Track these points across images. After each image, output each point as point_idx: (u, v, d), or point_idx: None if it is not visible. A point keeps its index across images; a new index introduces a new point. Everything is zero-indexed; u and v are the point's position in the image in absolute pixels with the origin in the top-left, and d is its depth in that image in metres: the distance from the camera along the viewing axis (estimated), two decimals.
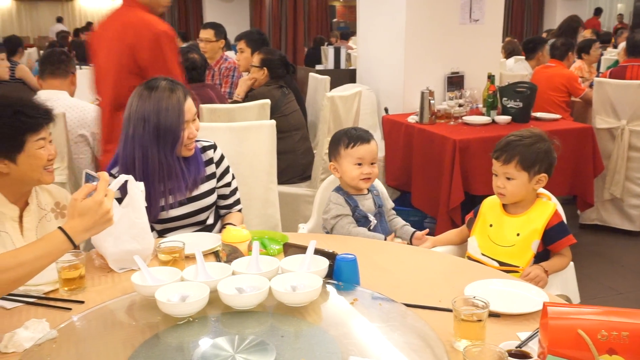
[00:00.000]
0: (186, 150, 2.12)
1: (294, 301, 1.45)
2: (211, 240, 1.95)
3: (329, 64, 6.54)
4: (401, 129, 4.04)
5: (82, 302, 1.56)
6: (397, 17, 4.30)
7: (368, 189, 2.32)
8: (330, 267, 1.57)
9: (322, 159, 3.51)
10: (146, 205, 1.82)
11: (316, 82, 4.82)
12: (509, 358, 1.16)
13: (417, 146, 3.87)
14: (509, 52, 6.77)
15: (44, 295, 1.59)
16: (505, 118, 3.94)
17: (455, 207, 3.47)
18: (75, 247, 1.49)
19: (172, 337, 1.38)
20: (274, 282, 1.46)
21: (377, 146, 2.32)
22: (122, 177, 1.71)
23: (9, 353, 1.31)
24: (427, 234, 2.29)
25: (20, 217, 1.90)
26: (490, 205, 2.16)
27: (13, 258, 1.41)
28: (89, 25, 16.80)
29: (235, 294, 1.45)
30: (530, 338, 1.33)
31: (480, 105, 4.19)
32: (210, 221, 2.28)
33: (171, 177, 2.10)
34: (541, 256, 2.05)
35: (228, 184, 2.30)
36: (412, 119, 4.00)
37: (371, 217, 2.25)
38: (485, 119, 3.96)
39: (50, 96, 3.11)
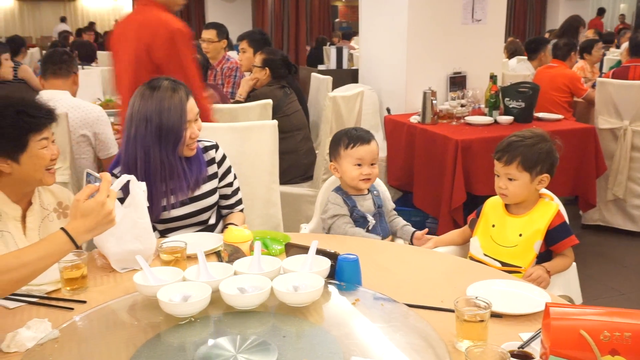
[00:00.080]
0: (188, 150, 2.12)
1: (296, 301, 1.45)
2: (213, 240, 1.95)
3: (331, 64, 6.54)
4: (403, 129, 4.03)
5: (84, 302, 1.57)
6: (399, 17, 4.30)
7: (368, 189, 2.32)
8: (332, 267, 1.57)
9: (324, 159, 3.51)
10: (148, 205, 1.82)
11: (318, 82, 4.83)
12: (511, 359, 1.16)
13: (419, 146, 3.86)
14: (511, 52, 6.77)
15: (46, 295, 1.59)
16: (508, 118, 3.93)
17: (457, 208, 3.46)
18: (78, 247, 1.49)
19: (174, 337, 1.38)
20: (276, 282, 1.46)
21: (378, 146, 2.32)
22: (124, 177, 1.71)
23: (11, 353, 1.31)
24: (429, 234, 2.29)
25: (23, 217, 1.90)
26: (492, 206, 2.16)
27: (16, 258, 1.41)
28: (91, 25, 16.82)
29: (237, 294, 1.45)
30: (532, 339, 1.33)
31: (483, 106, 4.19)
32: (212, 221, 2.28)
33: (173, 177, 2.10)
34: (543, 257, 2.05)
35: (230, 184, 2.30)
36: (414, 119, 3.99)
37: (370, 218, 2.25)
38: (487, 119, 3.95)
39: (52, 96, 3.10)
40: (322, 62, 8.57)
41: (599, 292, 3.45)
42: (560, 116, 4.21)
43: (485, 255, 2.08)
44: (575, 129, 3.92)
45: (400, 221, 2.39)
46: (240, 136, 2.65)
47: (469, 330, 1.31)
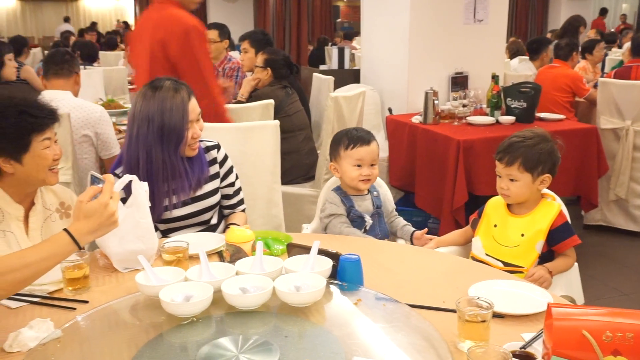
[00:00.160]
0: (190, 150, 2.13)
1: (298, 301, 1.45)
2: (215, 240, 1.95)
3: (333, 64, 6.55)
4: (405, 129, 4.03)
5: (87, 301, 1.57)
6: (401, 17, 4.30)
7: (368, 190, 2.32)
8: (334, 267, 1.57)
9: (325, 159, 3.51)
10: (150, 205, 1.82)
11: (320, 82, 4.83)
12: (513, 359, 1.16)
13: (420, 146, 3.86)
14: (513, 53, 6.76)
15: (48, 295, 1.59)
16: (509, 118, 3.93)
17: (459, 208, 3.46)
18: (80, 249, 1.49)
19: (176, 337, 1.38)
20: (278, 282, 1.46)
21: (378, 147, 2.32)
22: (126, 177, 1.72)
23: (14, 352, 1.32)
24: (430, 234, 2.29)
25: (26, 217, 1.90)
26: (494, 206, 2.16)
27: (18, 259, 1.42)
28: (93, 25, 16.84)
29: (239, 294, 1.45)
30: (534, 339, 1.33)
31: (484, 106, 4.18)
32: (214, 221, 2.28)
33: (175, 177, 2.10)
34: (545, 257, 2.05)
35: (232, 184, 2.30)
36: (416, 119, 3.99)
37: (367, 218, 2.25)
38: (489, 120, 3.95)
39: (54, 96, 3.10)
40: (323, 62, 8.58)
41: (601, 292, 3.45)
42: (562, 116, 4.21)
43: (487, 255, 2.08)
44: (577, 129, 3.91)
45: (400, 221, 2.39)
46: (242, 136, 2.65)
47: (471, 330, 1.31)
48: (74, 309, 1.53)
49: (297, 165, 3.72)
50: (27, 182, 1.87)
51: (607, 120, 4.13)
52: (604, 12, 13.90)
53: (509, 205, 2.12)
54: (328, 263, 1.57)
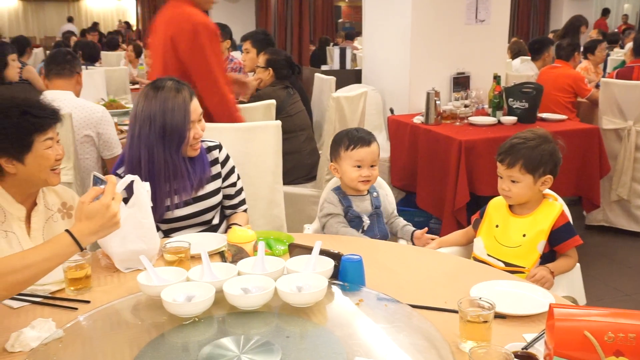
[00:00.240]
0: (192, 150, 2.13)
1: (300, 302, 1.45)
2: (217, 240, 1.95)
3: (335, 64, 6.54)
4: (406, 129, 4.03)
5: (88, 301, 1.57)
6: (402, 17, 4.30)
7: (368, 190, 2.32)
8: (336, 267, 1.57)
9: (327, 160, 3.50)
10: (152, 205, 1.82)
11: (322, 82, 4.83)
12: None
13: (422, 147, 3.86)
14: (515, 53, 6.76)
15: (50, 295, 1.60)
16: (511, 119, 3.93)
17: (460, 208, 3.46)
18: (82, 250, 1.49)
19: (178, 337, 1.38)
20: (280, 282, 1.46)
21: (379, 148, 2.32)
22: (128, 177, 1.72)
23: (16, 352, 1.32)
24: (430, 234, 2.29)
25: (28, 217, 1.90)
26: (496, 206, 2.16)
27: (20, 260, 1.42)
28: (95, 25, 16.85)
29: (241, 294, 1.45)
30: (536, 339, 1.33)
31: (486, 106, 4.18)
32: (215, 221, 2.28)
33: (177, 177, 2.10)
34: (547, 257, 2.05)
35: (233, 184, 2.30)
36: (418, 120, 3.99)
37: (365, 218, 2.25)
38: (491, 120, 3.95)
39: (55, 96, 3.10)
40: (325, 63, 8.58)
41: (602, 292, 3.45)
42: (564, 116, 4.21)
43: (489, 255, 2.08)
44: (579, 129, 3.91)
45: (400, 222, 2.39)
46: (243, 136, 2.65)
47: (473, 331, 1.31)
48: (76, 309, 1.53)
49: (299, 165, 3.72)
50: (29, 183, 1.87)
51: (609, 121, 4.13)
52: (606, 12, 13.89)
53: (510, 206, 2.12)
54: (330, 263, 1.57)
